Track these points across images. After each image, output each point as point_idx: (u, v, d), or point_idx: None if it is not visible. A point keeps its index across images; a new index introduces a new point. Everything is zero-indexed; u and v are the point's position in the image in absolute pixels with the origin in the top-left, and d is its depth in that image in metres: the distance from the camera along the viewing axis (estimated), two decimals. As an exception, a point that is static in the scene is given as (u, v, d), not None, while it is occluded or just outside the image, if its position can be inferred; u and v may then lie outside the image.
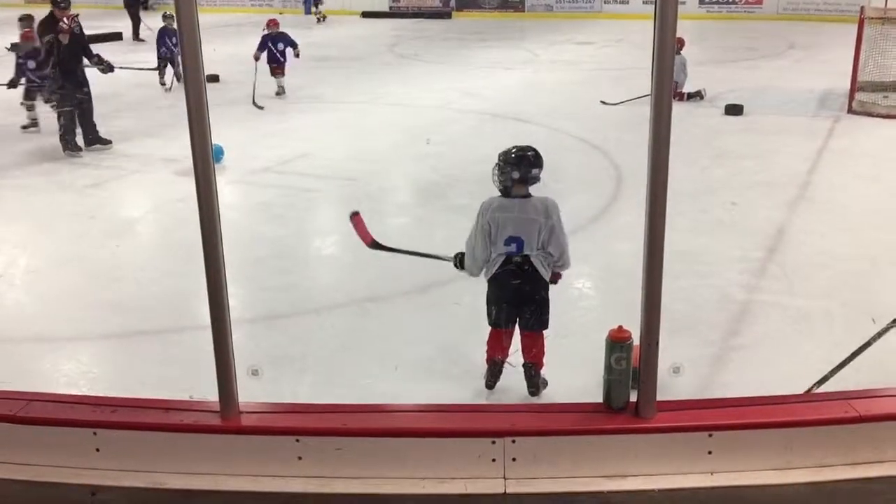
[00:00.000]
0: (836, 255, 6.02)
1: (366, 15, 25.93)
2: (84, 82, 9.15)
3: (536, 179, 4.03)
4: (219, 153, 8.17)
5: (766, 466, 3.17)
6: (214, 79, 12.84)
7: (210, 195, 2.94)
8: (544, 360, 4.23)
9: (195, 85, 2.84)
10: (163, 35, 13.37)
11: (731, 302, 5.33)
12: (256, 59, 12.18)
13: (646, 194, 2.93)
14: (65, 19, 8.82)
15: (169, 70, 13.14)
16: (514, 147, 4.07)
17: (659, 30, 2.75)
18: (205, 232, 2.98)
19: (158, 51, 13.35)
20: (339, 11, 25.64)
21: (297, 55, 12.48)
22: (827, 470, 3.16)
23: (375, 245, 4.60)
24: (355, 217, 4.64)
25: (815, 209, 7.15)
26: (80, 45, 9.07)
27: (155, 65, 13.26)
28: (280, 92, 12.49)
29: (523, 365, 4.24)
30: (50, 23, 8.85)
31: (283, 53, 12.43)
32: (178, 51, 11.78)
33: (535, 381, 4.23)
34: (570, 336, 4.56)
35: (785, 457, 3.17)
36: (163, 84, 13.11)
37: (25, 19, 10.64)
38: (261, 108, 11.75)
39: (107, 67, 9.48)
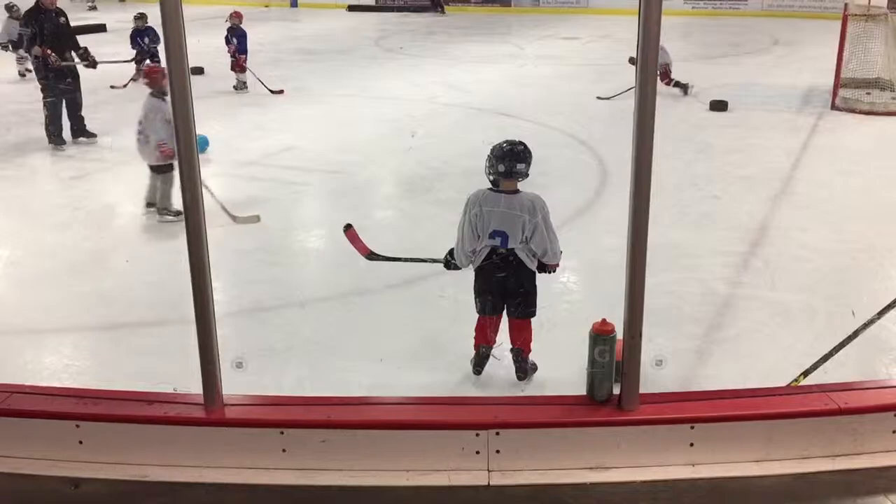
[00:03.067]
0: (817, 250, 6.07)
1: (352, 8, 25.85)
2: (68, 73, 9.06)
3: (523, 174, 4.05)
4: (203, 144, 8.14)
5: (748, 458, 3.19)
6: (199, 71, 12.76)
7: (195, 187, 2.93)
8: (532, 346, 4.26)
9: (179, 77, 2.83)
10: (135, 36, 13.22)
11: (714, 295, 5.37)
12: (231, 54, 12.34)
13: (629, 188, 2.95)
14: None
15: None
16: (505, 141, 4.11)
17: (643, 25, 2.76)
18: (189, 224, 2.97)
19: (134, 53, 13.18)
20: (325, 5, 25.56)
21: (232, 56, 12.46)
22: (807, 462, 3.19)
23: (372, 256, 4.65)
24: (349, 231, 4.68)
25: (798, 204, 7.21)
26: (64, 37, 8.98)
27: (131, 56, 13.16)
28: (240, 87, 12.49)
29: (511, 350, 4.28)
30: (35, 12, 8.76)
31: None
32: (153, 48, 11.64)
33: (523, 367, 4.28)
34: (554, 329, 4.58)
35: (766, 449, 3.19)
36: (134, 80, 12.99)
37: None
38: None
39: (91, 63, 9.38)
